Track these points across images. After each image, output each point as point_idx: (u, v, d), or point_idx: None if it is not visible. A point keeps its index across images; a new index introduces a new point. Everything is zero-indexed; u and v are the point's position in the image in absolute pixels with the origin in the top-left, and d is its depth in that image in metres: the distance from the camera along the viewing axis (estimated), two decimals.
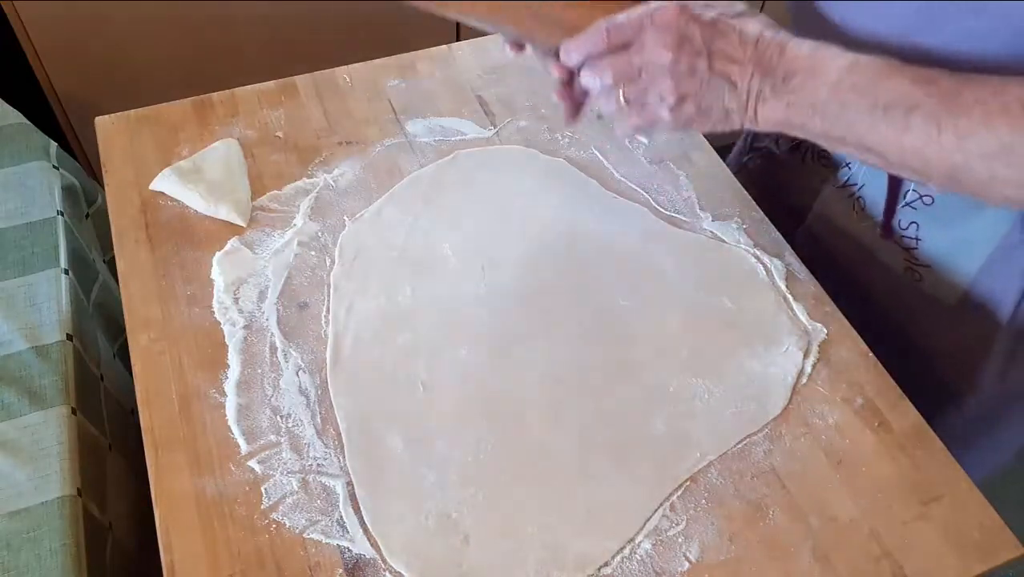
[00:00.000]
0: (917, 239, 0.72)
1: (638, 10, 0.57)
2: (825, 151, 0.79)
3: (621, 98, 0.59)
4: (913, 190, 0.71)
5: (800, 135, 0.58)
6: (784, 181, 0.86)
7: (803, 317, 0.70)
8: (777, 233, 0.76)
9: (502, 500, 0.59)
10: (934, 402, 0.74)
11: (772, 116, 0.57)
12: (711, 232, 0.76)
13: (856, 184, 0.76)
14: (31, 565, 0.65)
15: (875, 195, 0.75)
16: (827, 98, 0.55)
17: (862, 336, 0.70)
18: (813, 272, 0.74)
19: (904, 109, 0.53)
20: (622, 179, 0.80)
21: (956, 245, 0.70)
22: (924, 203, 0.71)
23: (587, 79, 0.59)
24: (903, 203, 0.72)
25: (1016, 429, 0.82)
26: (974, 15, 0.56)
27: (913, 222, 0.72)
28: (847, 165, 0.77)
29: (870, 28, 0.62)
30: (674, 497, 0.60)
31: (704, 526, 0.59)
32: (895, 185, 0.72)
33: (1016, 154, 0.50)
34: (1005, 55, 0.55)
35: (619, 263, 0.73)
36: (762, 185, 0.85)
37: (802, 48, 0.56)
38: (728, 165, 0.96)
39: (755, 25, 0.57)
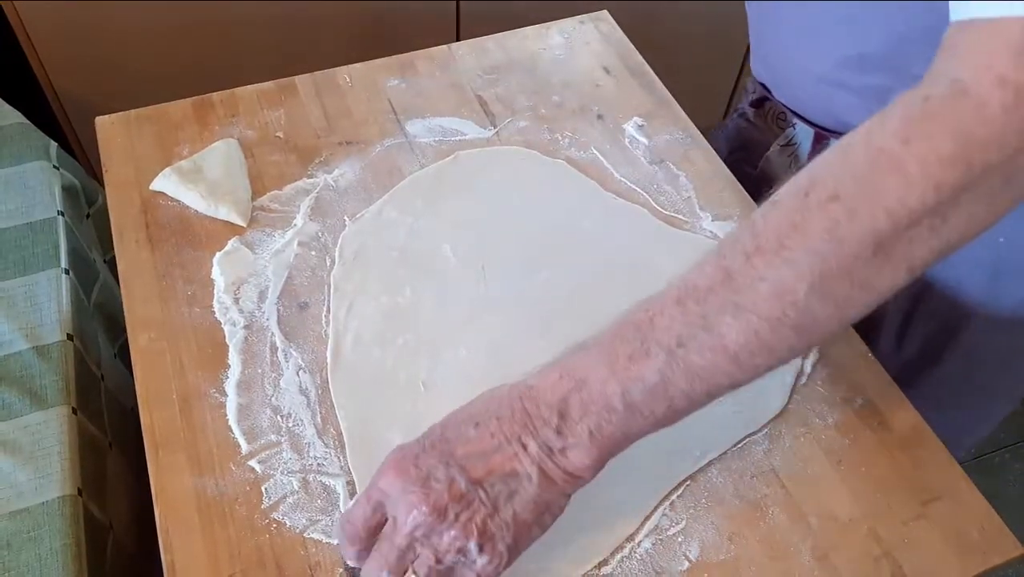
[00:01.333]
0: None
1: (363, 495, 0.49)
2: (782, 112, 0.81)
3: None
4: (817, 125, 0.74)
5: (626, 444, 0.48)
6: (744, 143, 0.87)
7: None
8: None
9: None
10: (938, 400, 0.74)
11: (586, 455, 0.46)
12: (711, 232, 0.76)
13: (797, 143, 0.79)
14: (32, 565, 0.65)
15: (806, 149, 0.78)
16: (620, 390, 0.45)
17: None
18: None
19: (700, 328, 0.44)
20: (622, 179, 0.80)
21: (957, 265, 0.69)
22: None
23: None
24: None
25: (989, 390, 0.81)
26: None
27: None
28: (793, 125, 0.79)
29: None
30: (674, 496, 0.60)
31: (704, 525, 0.59)
32: (819, 135, 0.75)
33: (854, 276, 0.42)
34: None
35: (619, 263, 0.73)
36: (736, 147, 0.86)
37: (543, 375, 0.47)
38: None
39: (474, 405, 0.49)
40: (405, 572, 0.48)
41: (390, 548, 0.47)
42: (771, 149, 0.82)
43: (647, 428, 0.47)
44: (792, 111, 0.78)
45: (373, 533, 0.49)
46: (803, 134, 0.78)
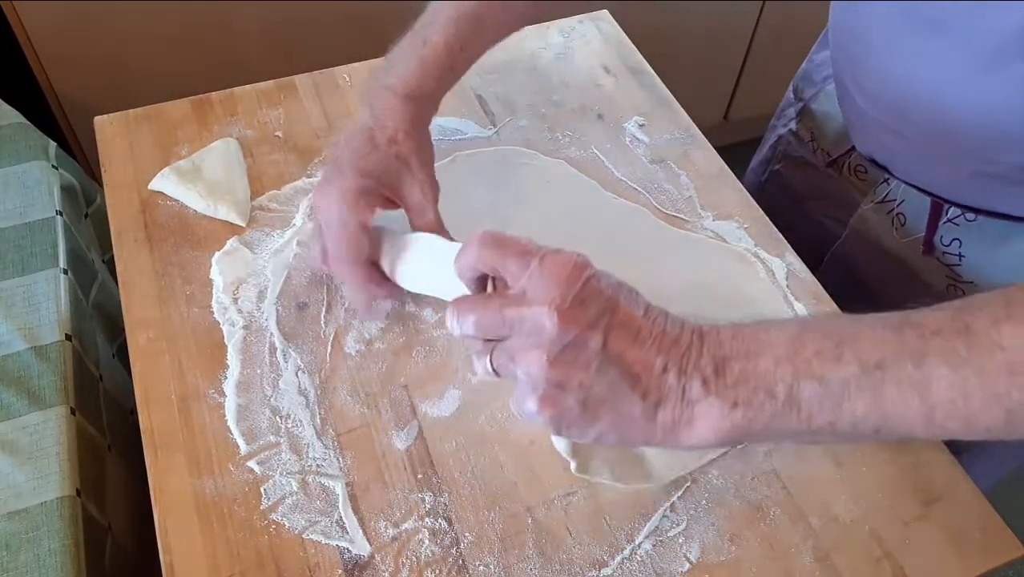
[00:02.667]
0: (960, 255, 0.70)
1: (528, 243, 0.46)
2: (863, 165, 0.78)
3: (488, 365, 0.46)
4: (955, 206, 0.69)
5: (753, 442, 0.46)
6: (817, 193, 0.85)
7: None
8: (778, 233, 0.76)
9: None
10: None
11: (713, 424, 0.42)
12: (712, 232, 0.76)
13: (896, 200, 0.75)
14: (30, 566, 0.65)
15: (916, 210, 0.73)
16: (791, 379, 0.41)
17: None
18: (848, 296, 0.70)
19: (910, 361, 0.40)
20: (622, 179, 0.80)
21: (999, 262, 0.68)
22: (967, 219, 0.70)
23: (448, 318, 0.47)
24: (945, 219, 0.71)
25: None
26: None
27: (956, 238, 0.70)
28: (885, 180, 0.76)
29: (928, 74, 0.59)
30: (675, 497, 0.60)
31: (704, 527, 0.59)
32: (937, 202, 0.71)
33: None
34: None
35: (619, 263, 0.73)
36: (793, 195, 0.84)
37: (722, 329, 0.44)
38: (751, 172, 0.95)
39: (663, 311, 0.46)
40: (482, 335, 0.45)
41: (498, 309, 0.43)
42: (864, 206, 0.78)
43: (791, 432, 0.42)
44: (909, 183, 0.72)
45: (499, 263, 0.45)
46: (906, 192, 0.73)
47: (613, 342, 0.42)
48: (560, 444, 0.56)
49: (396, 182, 0.63)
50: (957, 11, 0.56)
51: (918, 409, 0.40)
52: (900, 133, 0.68)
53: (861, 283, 0.77)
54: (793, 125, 0.89)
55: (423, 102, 0.65)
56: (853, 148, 0.79)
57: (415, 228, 0.64)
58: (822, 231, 0.81)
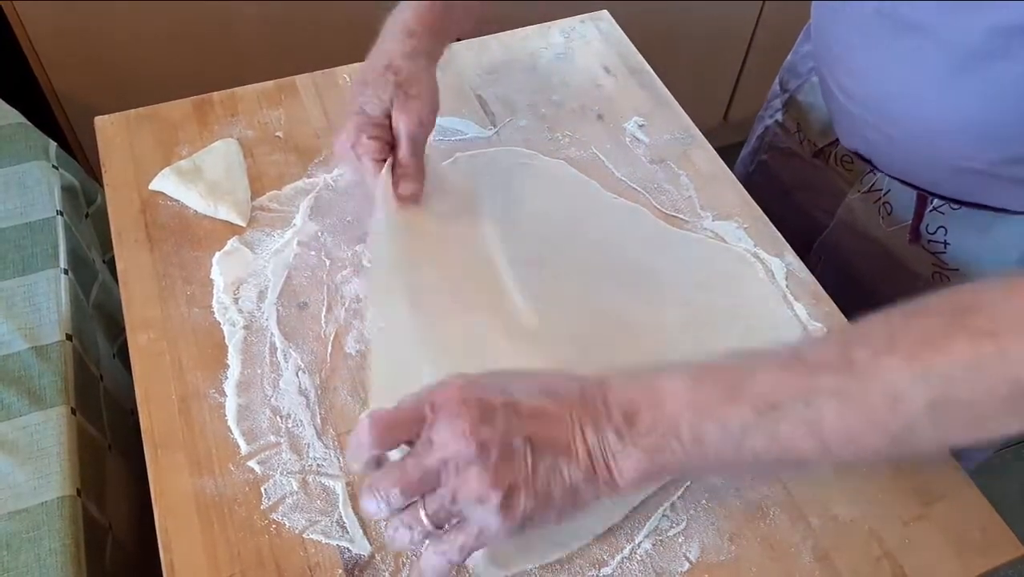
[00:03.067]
0: (945, 243, 0.71)
1: (412, 396, 0.47)
2: (848, 155, 0.79)
3: (424, 518, 0.45)
4: (939, 195, 0.70)
5: (676, 476, 0.48)
6: (804, 183, 0.85)
7: (803, 317, 0.70)
8: (777, 233, 0.76)
9: None
10: None
11: (636, 469, 0.45)
12: (712, 232, 0.76)
13: (882, 189, 0.76)
14: (30, 566, 0.65)
15: (902, 200, 0.74)
16: (694, 422, 0.44)
17: None
18: (836, 285, 0.72)
19: (801, 402, 0.43)
20: (622, 179, 0.80)
21: (984, 248, 0.69)
22: (951, 208, 0.71)
23: (370, 509, 0.46)
24: (931, 207, 0.72)
25: None
26: None
27: (941, 226, 0.71)
28: (871, 171, 0.76)
29: (904, 73, 0.60)
30: (674, 497, 0.60)
31: (704, 526, 0.59)
32: (925, 200, 0.72)
33: (970, 397, 0.41)
34: None
35: (619, 263, 0.73)
36: (780, 185, 0.85)
37: (623, 381, 0.47)
38: (740, 163, 0.96)
39: (553, 378, 0.48)
40: (411, 500, 0.45)
41: (415, 466, 0.45)
42: (851, 195, 0.79)
43: (704, 469, 0.46)
44: (893, 176, 0.74)
45: (399, 438, 0.46)
46: (892, 183, 0.74)
47: (533, 433, 0.45)
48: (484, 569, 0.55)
49: (390, 109, 0.65)
50: (931, 12, 0.57)
51: (812, 443, 0.43)
52: (880, 129, 0.69)
53: (848, 272, 0.78)
54: (779, 116, 0.89)
55: (423, 36, 0.68)
56: (835, 141, 0.80)
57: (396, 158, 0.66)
58: (809, 221, 0.82)
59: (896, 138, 0.65)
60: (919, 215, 0.72)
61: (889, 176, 0.74)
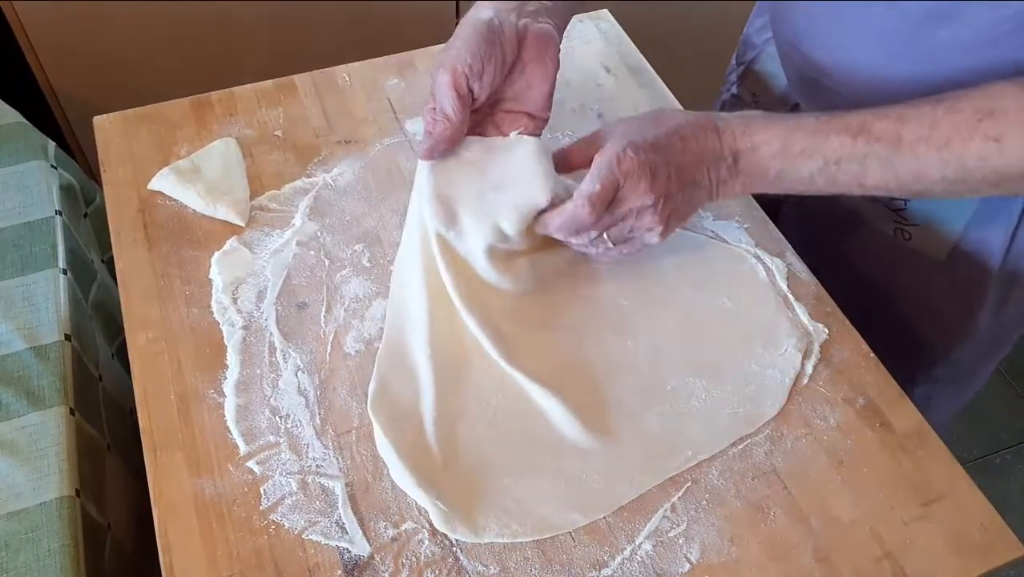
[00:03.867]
0: (905, 201, 0.74)
1: (602, 167, 0.61)
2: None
3: (608, 241, 0.65)
4: None
5: (763, 192, 0.65)
6: None
7: (804, 318, 0.70)
8: (778, 233, 0.76)
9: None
10: (930, 354, 0.80)
11: (732, 192, 0.64)
12: (712, 232, 0.76)
13: None
14: (30, 566, 0.65)
15: None
16: (779, 169, 0.62)
17: (855, 302, 0.71)
18: (801, 243, 0.76)
19: (856, 162, 0.60)
20: None
21: (942, 202, 0.72)
22: None
23: (579, 244, 0.67)
24: None
25: (1004, 351, 0.86)
26: (949, 22, 0.60)
27: None
28: None
29: (860, 39, 0.66)
30: (675, 498, 0.60)
31: (705, 527, 0.59)
32: None
33: (970, 179, 0.58)
34: (984, 67, 0.58)
35: (619, 262, 0.73)
36: None
37: (733, 126, 0.62)
38: None
39: (679, 120, 0.63)
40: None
41: (611, 217, 0.63)
42: None
43: (774, 191, 0.64)
44: None
45: (604, 196, 0.61)
46: None
47: (682, 177, 0.62)
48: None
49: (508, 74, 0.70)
50: None
51: (858, 189, 0.61)
52: (840, 94, 0.71)
53: (813, 233, 0.80)
54: (735, 89, 0.93)
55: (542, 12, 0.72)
56: (796, 106, 0.83)
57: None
58: (765, 196, 0.83)
59: (856, 101, 0.67)
60: None
61: None
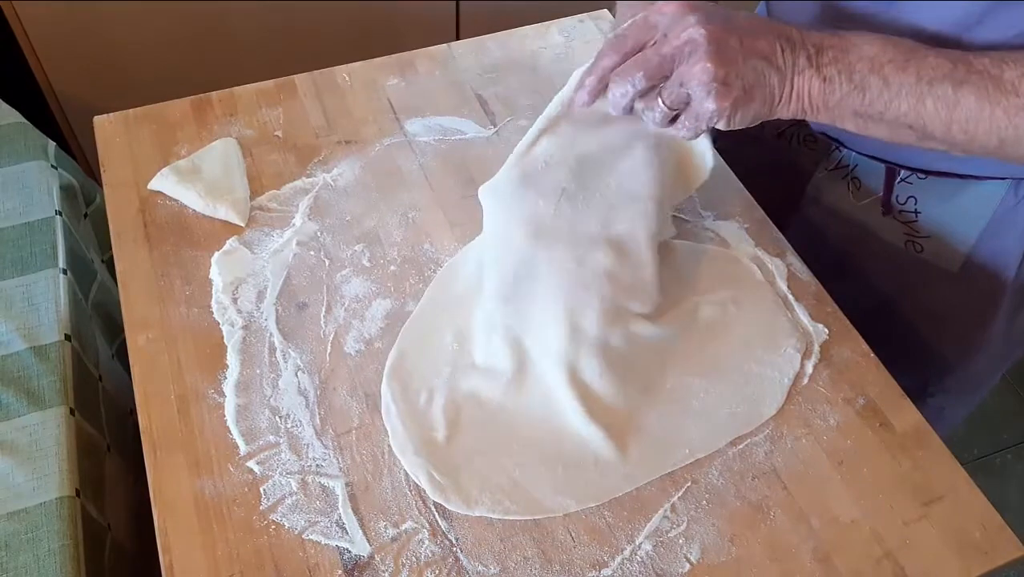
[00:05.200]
0: (916, 212, 0.73)
1: (639, 14, 0.55)
2: (813, 135, 0.80)
3: (662, 104, 0.57)
4: (906, 167, 0.72)
5: (827, 119, 0.57)
6: (768, 166, 0.86)
7: (804, 318, 0.70)
8: (778, 233, 0.76)
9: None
10: (943, 365, 0.79)
11: (809, 90, 0.56)
12: (712, 232, 0.76)
13: (849, 165, 0.77)
14: (30, 566, 0.65)
15: (870, 174, 0.76)
16: (866, 72, 0.55)
17: (865, 315, 0.70)
18: (811, 256, 0.74)
19: (951, 85, 0.54)
20: None
21: (955, 214, 0.71)
22: (919, 177, 0.72)
23: (617, 94, 0.57)
24: (899, 179, 0.73)
25: (1015, 358, 0.86)
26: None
27: (911, 196, 0.73)
28: (837, 148, 0.78)
29: (919, 23, 0.61)
30: (675, 498, 0.60)
31: (705, 527, 0.59)
32: (890, 165, 0.73)
33: None
34: None
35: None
36: (743, 170, 0.86)
37: (820, 29, 0.56)
38: None
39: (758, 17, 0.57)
40: (651, 84, 0.56)
41: (654, 53, 0.55)
42: (819, 173, 0.80)
43: (847, 112, 0.57)
44: (860, 152, 0.76)
45: (628, 54, 0.56)
46: (859, 157, 0.76)
47: (745, 38, 0.55)
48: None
49: None
50: (879, 9, 0.62)
51: (942, 119, 0.55)
52: None
53: (822, 246, 0.79)
54: None
55: None
56: (802, 120, 0.81)
57: None
58: (777, 202, 0.82)
59: None
60: (889, 188, 0.74)
61: (857, 153, 0.75)
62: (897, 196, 0.73)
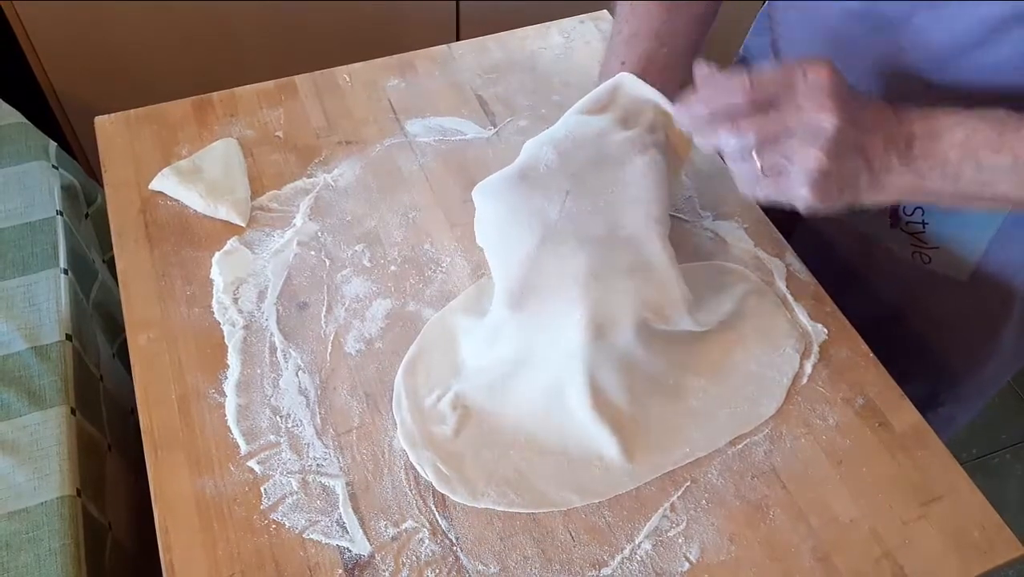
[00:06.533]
0: (923, 223, 0.72)
1: (783, 68, 0.52)
2: None
3: (758, 164, 0.54)
4: None
5: (922, 200, 0.56)
6: None
7: (803, 318, 0.70)
8: (778, 233, 0.76)
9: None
10: (954, 374, 0.78)
11: (898, 185, 0.54)
12: (712, 231, 0.76)
13: None
14: (30, 565, 0.65)
15: None
16: (959, 160, 0.53)
17: (873, 326, 0.70)
18: (816, 266, 0.74)
19: None
20: None
21: (963, 224, 0.70)
22: None
23: (730, 143, 0.54)
24: None
25: (1022, 364, 0.85)
26: None
27: (918, 208, 0.72)
28: None
29: (927, 41, 0.60)
30: (674, 497, 0.60)
31: (704, 527, 0.59)
32: None
33: None
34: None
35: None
36: None
37: (909, 111, 0.54)
38: None
39: (871, 104, 0.54)
40: (756, 143, 0.53)
41: (777, 121, 0.52)
42: None
43: (942, 197, 0.55)
44: None
45: (754, 104, 0.52)
46: None
47: (861, 138, 0.53)
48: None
49: None
50: (907, 9, 0.59)
51: None
52: None
53: (829, 258, 0.79)
54: None
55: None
56: None
57: None
58: (779, 214, 0.82)
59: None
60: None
61: None
62: (903, 207, 0.73)
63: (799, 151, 0.52)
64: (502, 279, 0.64)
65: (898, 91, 0.63)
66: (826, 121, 0.51)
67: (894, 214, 0.74)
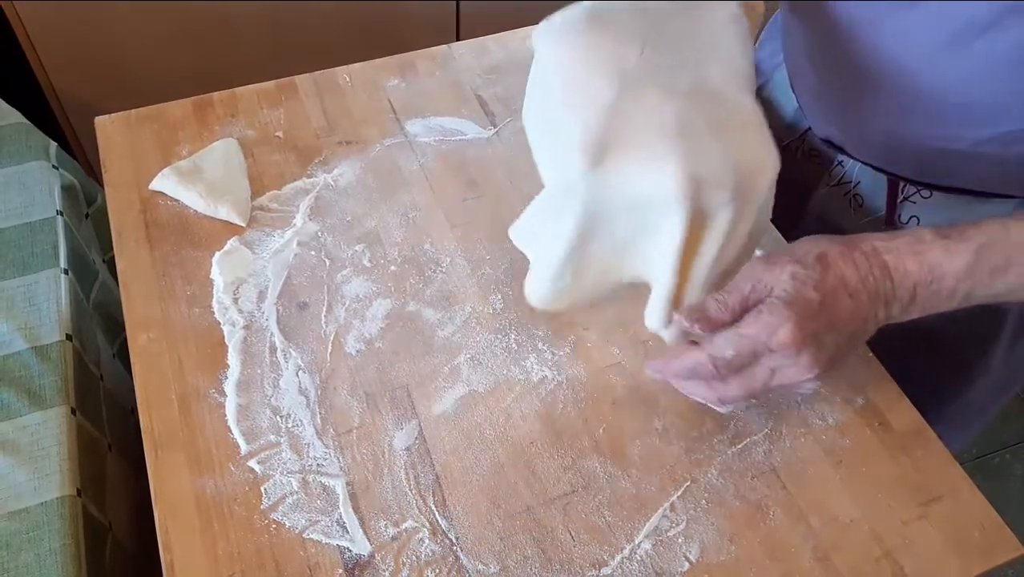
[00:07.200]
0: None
1: (751, 329, 0.53)
2: (816, 149, 0.80)
3: (728, 377, 0.55)
4: (911, 183, 0.71)
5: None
6: (785, 181, 0.86)
7: None
8: (777, 233, 0.76)
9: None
10: (942, 394, 0.78)
11: (904, 318, 0.56)
12: None
13: (851, 181, 0.76)
14: (30, 565, 0.65)
15: (872, 191, 0.75)
16: (966, 291, 0.54)
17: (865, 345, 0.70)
18: None
19: None
20: None
21: None
22: (922, 196, 0.71)
23: (713, 345, 0.54)
24: (902, 198, 0.72)
25: (1015, 389, 0.86)
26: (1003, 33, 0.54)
27: (914, 216, 0.72)
28: (840, 163, 0.77)
29: (893, 49, 0.60)
30: (674, 497, 0.60)
31: (704, 526, 0.59)
32: (894, 181, 0.72)
33: None
34: None
35: None
36: None
37: (904, 258, 0.54)
38: None
39: (842, 266, 0.55)
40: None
41: (761, 378, 0.54)
42: (820, 190, 0.79)
43: (950, 308, 0.56)
44: (866, 163, 0.74)
45: (736, 364, 0.54)
46: (861, 173, 0.75)
47: (845, 333, 0.54)
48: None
49: None
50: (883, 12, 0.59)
51: None
52: (859, 111, 0.68)
53: None
54: None
55: None
56: (805, 133, 0.79)
57: None
58: (778, 219, 0.81)
59: (875, 116, 0.65)
60: (892, 205, 0.73)
61: (862, 163, 0.74)
62: (900, 215, 0.73)
63: (782, 372, 0.54)
64: (578, 132, 0.53)
65: (905, 68, 0.61)
66: (808, 374, 0.53)
67: (890, 222, 0.74)
